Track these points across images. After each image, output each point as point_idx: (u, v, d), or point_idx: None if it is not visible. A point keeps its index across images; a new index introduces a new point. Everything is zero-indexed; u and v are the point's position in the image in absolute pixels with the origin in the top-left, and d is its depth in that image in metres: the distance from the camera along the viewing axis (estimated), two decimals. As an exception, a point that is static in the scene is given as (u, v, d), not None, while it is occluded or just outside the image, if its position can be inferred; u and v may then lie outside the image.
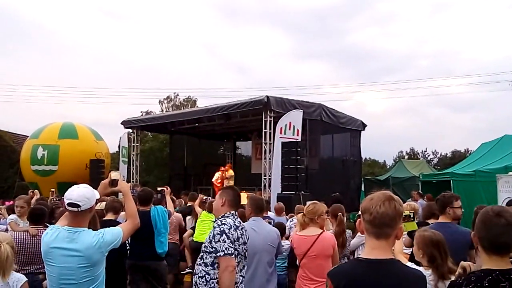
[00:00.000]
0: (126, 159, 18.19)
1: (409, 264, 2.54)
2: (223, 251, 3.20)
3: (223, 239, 3.23)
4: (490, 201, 10.51)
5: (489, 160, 13.33)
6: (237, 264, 3.32)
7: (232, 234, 3.29)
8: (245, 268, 3.55)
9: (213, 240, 3.28)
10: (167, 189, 6.67)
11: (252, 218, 4.36)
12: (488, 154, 14.14)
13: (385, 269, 1.88)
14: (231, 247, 3.23)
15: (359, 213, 2.08)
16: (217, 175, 15.79)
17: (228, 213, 3.49)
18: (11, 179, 21.01)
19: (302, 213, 4.55)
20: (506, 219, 1.97)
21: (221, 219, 3.43)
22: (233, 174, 15.73)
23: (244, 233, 3.49)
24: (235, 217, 3.50)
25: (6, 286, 3.13)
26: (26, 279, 3.28)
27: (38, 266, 4.30)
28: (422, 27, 69.15)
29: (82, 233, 2.86)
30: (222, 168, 16.09)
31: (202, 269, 3.31)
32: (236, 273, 3.32)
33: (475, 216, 2.13)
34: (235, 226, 3.39)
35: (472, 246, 3.12)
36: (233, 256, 3.24)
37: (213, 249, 3.26)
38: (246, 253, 3.50)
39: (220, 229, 3.30)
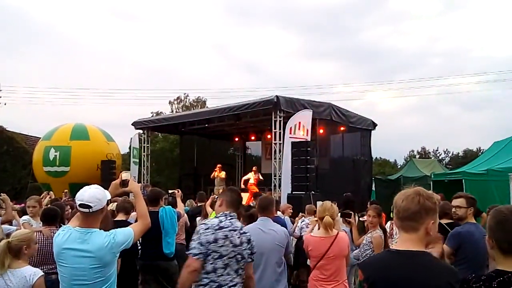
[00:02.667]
0: (137, 160, 18.31)
1: None
2: (190, 250, 3.17)
3: (194, 239, 3.19)
4: (503, 200, 10.38)
5: (502, 159, 13.14)
6: (223, 266, 3.17)
7: (206, 236, 3.16)
8: (237, 271, 3.27)
9: None
10: (178, 191, 6.73)
11: (260, 218, 4.37)
12: (501, 152, 13.94)
13: (416, 260, 1.89)
14: (197, 248, 3.13)
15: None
16: (249, 175, 15.63)
17: (222, 213, 3.39)
18: (24, 180, 21.26)
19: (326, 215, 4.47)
20: None
21: (209, 219, 3.40)
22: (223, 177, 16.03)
23: (233, 235, 3.27)
24: (228, 217, 3.36)
25: (23, 280, 3.21)
26: (43, 273, 3.36)
27: (51, 266, 4.34)
28: (434, 25, 68.59)
29: (94, 234, 2.89)
30: (216, 168, 16.18)
31: None
32: (202, 273, 3.15)
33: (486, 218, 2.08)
34: (218, 226, 3.23)
35: None
36: (198, 257, 3.11)
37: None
38: (238, 255, 3.26)
39: (197, 228, 3.28)
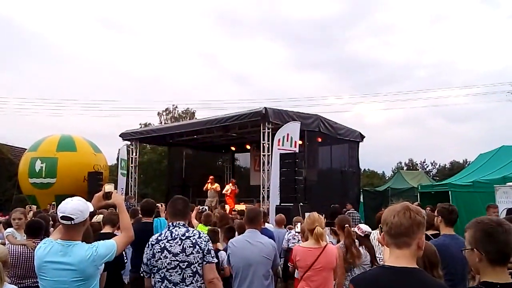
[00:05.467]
0: (125, 171, 18.16)
1: None
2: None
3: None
4: (488, 211, 10.48)
5: (487, 171, 13.32)
6: (160, 279, 3.28)
7: (146, 254, 3.35)
8: (183, 280, 3.27)
9: None
10: (161, 206, 6.69)
11: (248, 230, 4.34)
12: (486, 164, 14.15)
13: (412, 277, 1.88)
14: (142, 267, 3.36)
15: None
16: (227, 187, 15.89)
17: (167, 225, 3.48)
18: (9, 192, 20.93)
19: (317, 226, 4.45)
20: (510, 226, 1.94)
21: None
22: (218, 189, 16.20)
23: (172, 244, 3.30)
24: (171, 227, 3.40)
25: None
26: None
27: (35, 280, 4.26)
28: (421, 38, 69.65)
29: (76, 247, 2.84)
30: (209, 180, 16.32)
31: None
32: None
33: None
34: (156, 241, 3.36)
35: None
36: (144, 276, 3.37)
37: None
38: (181, 263, 3.26)
39: None
